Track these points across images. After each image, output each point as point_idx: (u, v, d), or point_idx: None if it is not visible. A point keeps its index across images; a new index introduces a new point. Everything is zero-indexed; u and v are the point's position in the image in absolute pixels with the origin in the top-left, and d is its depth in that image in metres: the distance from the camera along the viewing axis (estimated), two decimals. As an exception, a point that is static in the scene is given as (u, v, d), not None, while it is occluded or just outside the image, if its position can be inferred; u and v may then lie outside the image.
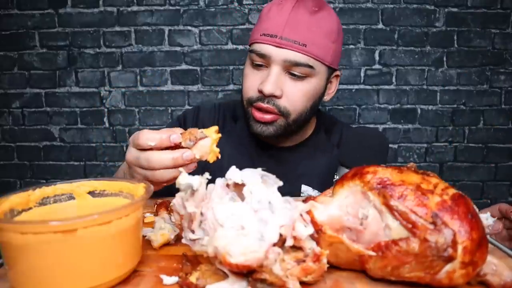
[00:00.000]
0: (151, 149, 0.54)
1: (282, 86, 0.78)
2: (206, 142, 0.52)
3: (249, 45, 0.84)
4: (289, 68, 0.78)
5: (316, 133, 0.94)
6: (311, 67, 0.78)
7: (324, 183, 0.88)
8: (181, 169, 0.49)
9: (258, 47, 0.79)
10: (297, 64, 0.77)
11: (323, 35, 0.79)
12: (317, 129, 0.95)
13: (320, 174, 0.89)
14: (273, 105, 0.78)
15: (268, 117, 0.79)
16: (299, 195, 0.86)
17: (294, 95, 0.79)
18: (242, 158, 0.90)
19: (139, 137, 0.54)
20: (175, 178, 0.52)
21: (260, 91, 0.78)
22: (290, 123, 0.81)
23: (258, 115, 0.79)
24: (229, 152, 0.86)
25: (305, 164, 0.90)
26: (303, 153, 0.91)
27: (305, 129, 0.91)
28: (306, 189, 0.88)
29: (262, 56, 0.78)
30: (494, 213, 0.72)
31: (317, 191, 0.88)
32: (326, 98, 0.89)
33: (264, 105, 0.78)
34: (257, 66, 0.81)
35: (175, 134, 0.53)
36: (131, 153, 0.57)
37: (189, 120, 0.96)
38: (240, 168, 0.41)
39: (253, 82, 0.80)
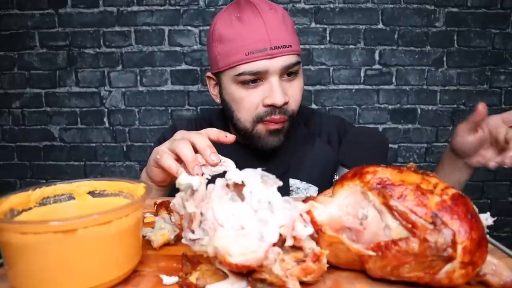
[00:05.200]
0: None
1: (286, 92, 0.80)
2: None
3: (223, 70, 0.81)
4: (284, 73, 0.79)
5: (295, 127, 0.95)
6: (299, 63, 0.81)
7: (311, 174, 0.90)
8: (181, 169, 0.50)
9: (250, 66, 0.77)
10: (290, 67, 0.79)
11: (292, 29, 0.82)
12: (296, 123, 0.95)
13: (305, 166, 0.91)
14: (284, 113, 0.80)
15: (280, 125, 0.81)
16: (288, 190, 0.88)
17: (297, 95, 0.82)
18: None
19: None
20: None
21: (270, 105, 0.78)
22: (292, 121, 0.85)
23: (273, 127, 0.81)
24: None
25: (289, 159, 0.91)
26: (285, 148, 0.91)
27: None
28: (294, 183, 0.89)
29: (256, 73, 0.78)
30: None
31: (305, 182, 0.89)
32: None
33: (277, 116, 0.79)
34: (250, 86, 0.80)
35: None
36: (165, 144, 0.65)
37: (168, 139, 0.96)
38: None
39: (254, 100, 0.80)
